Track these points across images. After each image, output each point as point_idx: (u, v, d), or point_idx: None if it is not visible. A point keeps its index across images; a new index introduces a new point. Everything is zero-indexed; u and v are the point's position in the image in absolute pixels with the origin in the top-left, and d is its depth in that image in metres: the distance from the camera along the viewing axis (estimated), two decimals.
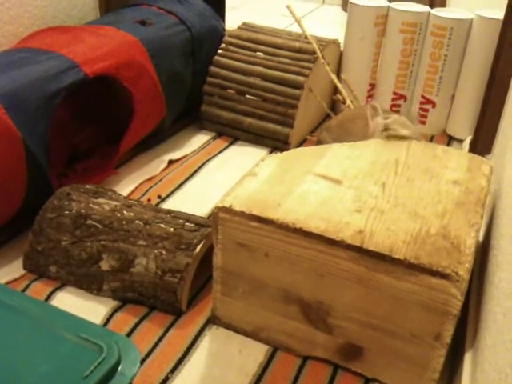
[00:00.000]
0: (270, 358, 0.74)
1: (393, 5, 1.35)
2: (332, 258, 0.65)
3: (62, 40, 0.99)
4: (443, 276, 0.60)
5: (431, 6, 1.36)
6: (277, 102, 1.25)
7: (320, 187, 0.73)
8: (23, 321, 0.45)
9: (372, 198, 0.71)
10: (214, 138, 1.31)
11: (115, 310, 0.79)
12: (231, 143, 1.29)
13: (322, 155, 0.81)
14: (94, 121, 1.19)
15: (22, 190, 0.84)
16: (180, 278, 0.77)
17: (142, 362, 0.72)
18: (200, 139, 1.30)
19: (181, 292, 0.77)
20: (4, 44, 1.08)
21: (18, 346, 0.43)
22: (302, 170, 0.77)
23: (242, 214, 0.68)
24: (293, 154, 0.82)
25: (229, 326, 0.77)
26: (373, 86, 1.44)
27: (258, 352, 0.75)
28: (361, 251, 0.63)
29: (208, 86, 1.30)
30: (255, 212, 0.67)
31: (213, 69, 1.30)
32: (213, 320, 0.78)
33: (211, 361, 0.73)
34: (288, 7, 1.29)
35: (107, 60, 0.98)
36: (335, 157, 0.81)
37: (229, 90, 1.29)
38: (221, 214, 0.69)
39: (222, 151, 1.26)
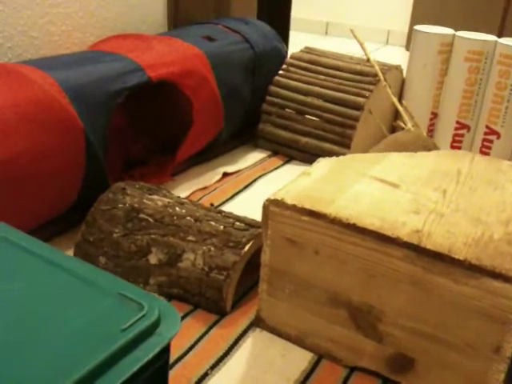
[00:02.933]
0: (313, 366, 0.70)
1: (458, 33, 1.33)
2: (386, 257, 0.62)
3: (130, 45, 1.03)
4: (506, 279, 0.55)
5: (499, 36, 1.33)
6: (335, 123, 1.24)
7: (375, 189, 0.71)
8: (65, 276, 0.45)
9: (431, 202, 0.68)
10: (269, 156, 1.31)
11: None
12: (286, 162, 1.29)
13: (378, 161, 0.79)
14: (150, 131, 1.22)
15: (79, 181, 0.86)
16: (226, 275, 0.76)
17: (182, 357, 0.70)
18: (255, 156, 1.30)
19: (226, 290, 0.76)
20: (73, 50, 1.13)
21: (57, 299, 0.43)
22: (356, 173, 0.75)
23: (293, 207, 0.66)
24: (348, 158, 0.80)
25: (273, 330, 0.74)
26: (435, 115, 1.41)
27: (301, 358, 0.71)
28: (417, 250, 0.60)
29: (266, 105, 1.31)
30: (307, 206, 0.66)
31: (272, 88, 1.31)
32: (257, 322, 0.76)
33: (252, 362, 0.70)
34: (351, 31, 1.30)
35: (171, 67, 1.01)
36: (392, 163, 0.78)
37: (287, 110, 1.30)
38: (271, 208, 0.68)
39: (276, 168, 1.25)
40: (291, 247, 0.68)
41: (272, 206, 0.68)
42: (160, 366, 0.42)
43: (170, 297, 0.79)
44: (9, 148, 0.72)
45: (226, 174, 1.20)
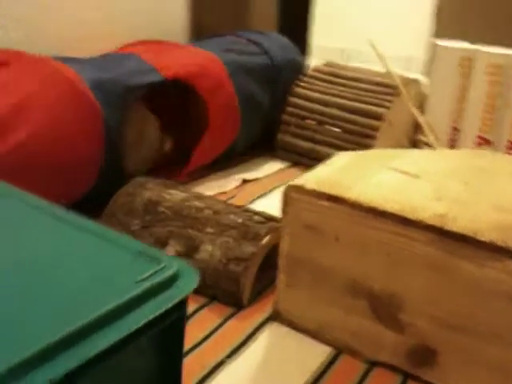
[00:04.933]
0: (332, 360, 0.68)
1: (479, 47, 1.33)
2: (408, 241, 0.60)
3: (148, 49, 1.05)
4: None
5: None
6: (355, 133, 1.24)
7: (396, 178, 0.69)
8: (83, 233, 0.45)
9: (453, 192, 0.67)
10: (288, 167, 1.31)
11: None
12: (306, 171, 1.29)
13: (399, 155, 0.78)
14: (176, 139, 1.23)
15: (96, 169, 0.87)
16: (244, 267, 0.74)
17: (198, 346, 0.68)
18: (275, 166, 1.30)
19: (243, 282, 0.74)
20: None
21: (74, 252, 0.43)
22: (377, 164, 0.74)
23: (312, 192, 0.65)
24: (368, 152, 0.80)
25: (290, 324, 0.72)
26: (456, 130, 1.40)
27: (319, 352, 0.69)
28: (441, 233, 0.58)
29: (286, 116, 1.32)
30: (327, 191, 0.65)
31: (292, 99, 1.32)
32: (274, 316, 0.74)
33: (268, 354, 0.68)
34: (371, 43, 1.31)
35: (187, 67, 1.03)
36: (413, 157, 0.77)
37: (307, 120, 1.30)
38: (291, 194, 0.67)
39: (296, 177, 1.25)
40: (311, 234, 0.67)
41: (292, 191, 0.67)
42: (176, 321, 0.41)
43: None
44: (31, 126, 0.73)
45: (244, 181, 1.20)
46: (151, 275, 0.39)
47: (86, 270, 0.40)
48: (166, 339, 0.40)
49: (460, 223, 0.58)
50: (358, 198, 0.63)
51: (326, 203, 0.65)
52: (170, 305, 0.38)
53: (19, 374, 0.30)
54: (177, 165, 1.16)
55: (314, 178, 0.68)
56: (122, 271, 0.40)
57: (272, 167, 1.29)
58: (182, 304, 0.40)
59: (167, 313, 0.39)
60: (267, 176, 1.24)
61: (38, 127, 0.77)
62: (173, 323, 0.40)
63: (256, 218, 0.80)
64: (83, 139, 0.83)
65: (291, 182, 0.68)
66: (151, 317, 0.37)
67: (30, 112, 0.76)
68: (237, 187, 1.17)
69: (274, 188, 1.18)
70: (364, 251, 0.64)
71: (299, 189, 0.66)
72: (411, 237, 0.60)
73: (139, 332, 0.37)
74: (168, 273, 0.40)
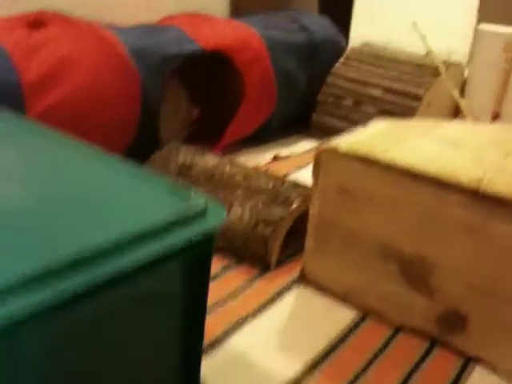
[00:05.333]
0: (357, 323, 0.67)
1: None
2: (443, 204, 0.59)
3: (188, 21, 1.06)
4: None
5: None
6: (393, 114, 1.22)
7: (435, 144, 0.68)
8: (118, 173, 0.46)
9: (492, 160, 0.65)
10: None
11: None
12: None
13: (439, 125, 0.76)
14: (205, 109, 1.23)
15: (132, 132, 0.88)
16: (272, 229, 0.74)
17: (223, 303, 0.69)
18: (308, 145, 1.29)
19: (272, 245, 0.74)
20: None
21: (111, 187, 0.43)
22: (415, 131, 0.73)
23: (346, 155, 0.65)
24: (407, 121, 0.78)
25: (317, 287, 0.72)
26: (497, 115, 1.36)
27: (345, 315, 0.68)
28: (477, 196, 0.57)
29: (323, 95, 1.31)
30: (361, 153, 0.64)
31: (330, 78, 1.31)
32: (301, 279, 0.73)
33: (293, 314, 0.68)
34: (414, 24, 1.29)
35: (225, 39, 1.03)
36: (454, 127, 0.76)
37: (344, 100, 1.29)
38: (324, 156, 0.67)
39: None
40: (342, 198, 0.67)
41: (324, 154, 0.67)
42: (203, 255, 0.41)
43: (215, 250, 0.79)
44: (70, 84, 0.75)
45: (277, 158, 1.19)
46: (181, 208, 0.39)
47: (121, 199, 0.41)
48: (193, 270, 0.40)
49: (497, 186, 0.57)
50: (393, 160, 0.62)
51: (359, 165, 0.64)
52: (197, 236, 0.39)
53: (58, 276, 0.31)
54: (211, 139, 1.17)
55: (348, 141, 0.67)
56: (154, 203, 0.40)
57: (305, 146, 1.28)
58: (210, 238, 0.40)
59: (195, 244, 0.39)
60: (300, 154, 1.23)
61: (77, 86, 0.78)
62: (200, 256, 0.40)
63: (287, 183, 0.80)
64: (121, 102, 0.84)
65: (324, 145, 0.67)
66: (179, 244, 0.37)
67: (69, 71, 0.78)
68: (269, 162, 1.16)
69: (306, 165, 1.17)
70: (396, 214, 0.63)
71: (332, 151, 0.66)
72: (446, 199, 0.59)
73: (166, 257, 0.37)
74: (197, 207, 0.40)
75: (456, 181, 0.58)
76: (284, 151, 1.22)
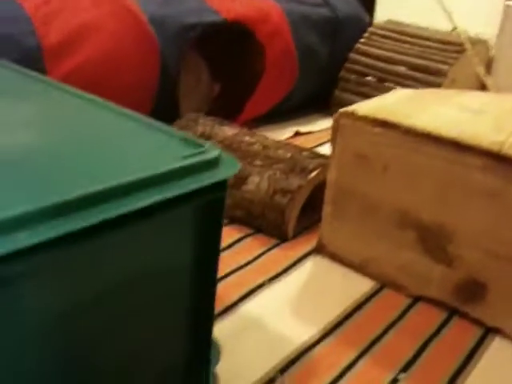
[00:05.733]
0: (374, 293, 0.67)
1: None
2: (463, 167, 0.58)
3: None
4: None
5: None
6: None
7: (456, 111, 0.66)
8: (133, 122, 0.46)
9: None
10: None
11: None
12: None
13: (460, 94, 0.75)
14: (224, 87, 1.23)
15: (152, 99, 0.88)
16: (290, 198, 0.74)
17: (239, 269, 0.69)
18: (329, 122, 1.27)
19: (289, 213, 0.74)
20: None
21: (126, 135, 0.44)
22: (437, 98, 0.71)
23: (365, 118, 0.64)
24: (426, 91, 0.77)
25: (335, 257, 0.71)
26: None
27: (362, 285, 0.68)
28: (498, 159, 0.55)
29: (345, 72, 1.29)
30: (380, 116, 0.63)
31: (352, 55, 1.29)
32: (318, 249, 0.73)
33: (309, 283, 0.68)
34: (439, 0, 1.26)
35: (246, 11, 1.02)
36: (477, 96, 0.74)
37: (367, 77, 1.27)
38: (342, 121, 0.66)
39: None
40: (360, 164, 0.65)
41: (343, 118, 0.66)
42: (216, 202, 0.41)
43: (232, 219, 0.78)
44: (90, 50, 0.75)
45: (297, 134, 1.18)
46: (194, 154, 0.39)
47: (135, 147, 0.42)
48: (205, 219, 0.40)
49: None
50: (413, 124, 0.60)
51: (378, 129, 0.63)
52: (210, 181, 0.39)
53: (66, 215, 0.31)
54: (231, 115, 1.16)
55: (367, 106, 0.66)
56: (167, 150, 0.40)
57: (326, 123, 1.27)
58: (222, 186, 0.40)
59: (208, 190, 0.39)
60: (321, 130, 1.22)
61: (97, 53, 0.79)
62: (212, 204, 0.40)
63: (305, 153, 0.79)
64: (139, 69, 0.85)
65: (342, 109, 0.66)
66: (192, 187, 0.37)
67: (88, 38, 0.78)
68: (289, 138, 1.15)
69: (327, 141, 1.16)
70: (414, 180, 0.61)
71: (350, 115, 0.65)
72: (467, 163, 0.57)
73: (178, 202, 0.37)
74: (210, 155, 0.40)
75: (477, 144, 0.56)
76: (305, 127, 1.21)
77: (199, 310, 0.44)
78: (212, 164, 0.40)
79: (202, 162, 0.40)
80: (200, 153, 0.40)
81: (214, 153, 0.41)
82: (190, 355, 0.46)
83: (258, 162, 0.78)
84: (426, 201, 0.61)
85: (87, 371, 0.39)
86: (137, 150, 0.41)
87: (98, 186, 0.33)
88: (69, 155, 0.39)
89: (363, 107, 0.66)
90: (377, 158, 0.64)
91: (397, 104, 0.68)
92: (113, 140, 0.43)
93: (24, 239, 0.29)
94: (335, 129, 0.67)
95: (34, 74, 0.56)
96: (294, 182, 0.74)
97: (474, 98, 0.73)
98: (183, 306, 0.42)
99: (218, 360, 0.49)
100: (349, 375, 0.54)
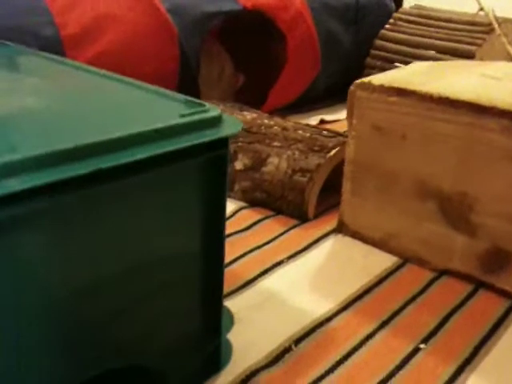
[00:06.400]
0: (397, 268, 0.65)
1: None
2: (481, 131, 0.56)
3: None
4: None
5: None
6: None
7: (476, 78, 0.65)
8: (135, 89, 0.46)
9: None
10: None
11: (242, 208, 0.77)
12: None
13: (481, 64, 0.72)
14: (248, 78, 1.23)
15: (172, 88, 0.89)
16: (310, 177, 0.73)
17: (260, 247, 0.68)
18: None
19: (309, 193, 0.73)
20: None
21: (130, 99, 0.44)
22: (455, 69, 0.69)
23: (381, 88, 0.62)
24: (446, 62, 0.75)
25: (356, 235, 0.70)
26: None
27: (384, 261, 0.66)
28: None
29: (371, 59, 1.27)
30: (396, 85, 0.61)
31: (378, 42, 1.27)
32: (339, 227, 0.72)
33: (330, 260, 0.67)
34: None
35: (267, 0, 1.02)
36: (498, 65, 0.71)
37: (395, 64, 1.25)
38: (358, 93, 0.65)
39: None
40: (377, 135, 0.64)
41: (359, 89, 0.65)
42: (219, 159, 0.41)
43: (253, 202, 0.78)
44: (109, 38, 0.76)
45: (322, 122, 1.17)
46: (195, 112, 0.40)
47: (140, 107, 0.43)
48: (209, 176, 0.40)
49: None
50: (430, 91, 0.59)
51: (394, 98, 0.61)
52: (211, 138, 0.39)
53: (72, 161, 0.32)
54: (256, 104, 1.16)
55: (383, 76, 0.65)
56: (170, 110, 0.41)
57: None
58: (225, 144, 0.40)
59: (210, 146, 0.39)
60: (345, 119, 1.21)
61: (115, 42, 0.80)
62: (215, 160, 0.40)
63: (325, 132, 0.78)
64: (159, 58, 0.86)
65: (357, 81, 0.65)
66: (194, 142, 0.37)
67: (107, 28, 0.80)
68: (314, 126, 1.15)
69: None
70: (433, 148, 0.60)
71: (366, 85, 0.64)
72: (485, 126, 0.55)
73: (182, 156, 0.38)
74: (211, 114, 0.40)
75: (495, 105, 0.54)
76: (330, 116, 1.20)
77: (209, 267, 0.43)
78: (213, 122, 0.40)
79: (203, 120, 0.40)
80: (201, 111, 0.40)
81: (214, 112, 0.41)
82: (202, 323, 0.46)
83: (276, 143, 0.78)
84: (446, 169, 0.59)
85: (96, 331, 0.39)
86: (140, 111, 0.42)
87: (97, 138, 0.34)
88: (73, 115, 0.40)
89: (379, 78, 0.64)
90: (394, 128, 0.62)
91: (413, 74, 0.66)
92: (118, 104, 0.43)
93: (16, 185, 0.30)
94: (351, 102, 0.66)
95: (52, 56, 0.57)
96: (313, 160, 0.74)
97: (494, 67, 0.70)
98: (192, 266, 0.42)
99: (229, 328, 0.48)
100: (368, 345, 0.52)
